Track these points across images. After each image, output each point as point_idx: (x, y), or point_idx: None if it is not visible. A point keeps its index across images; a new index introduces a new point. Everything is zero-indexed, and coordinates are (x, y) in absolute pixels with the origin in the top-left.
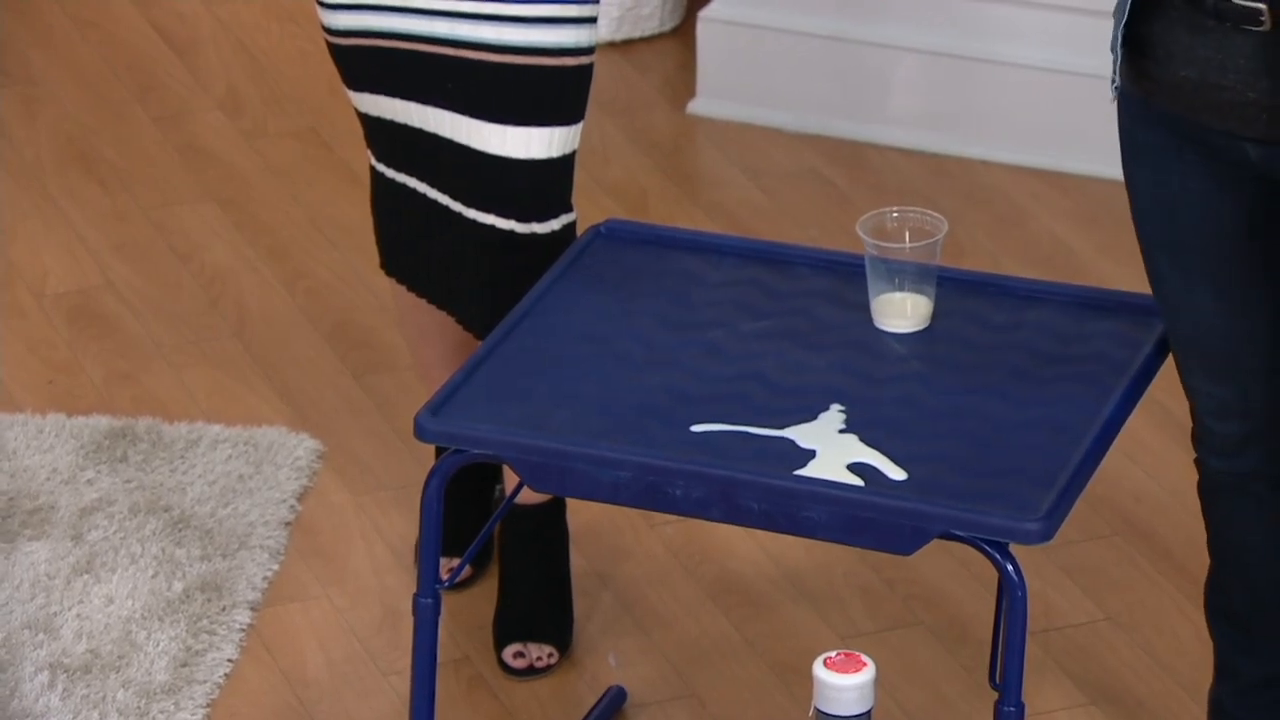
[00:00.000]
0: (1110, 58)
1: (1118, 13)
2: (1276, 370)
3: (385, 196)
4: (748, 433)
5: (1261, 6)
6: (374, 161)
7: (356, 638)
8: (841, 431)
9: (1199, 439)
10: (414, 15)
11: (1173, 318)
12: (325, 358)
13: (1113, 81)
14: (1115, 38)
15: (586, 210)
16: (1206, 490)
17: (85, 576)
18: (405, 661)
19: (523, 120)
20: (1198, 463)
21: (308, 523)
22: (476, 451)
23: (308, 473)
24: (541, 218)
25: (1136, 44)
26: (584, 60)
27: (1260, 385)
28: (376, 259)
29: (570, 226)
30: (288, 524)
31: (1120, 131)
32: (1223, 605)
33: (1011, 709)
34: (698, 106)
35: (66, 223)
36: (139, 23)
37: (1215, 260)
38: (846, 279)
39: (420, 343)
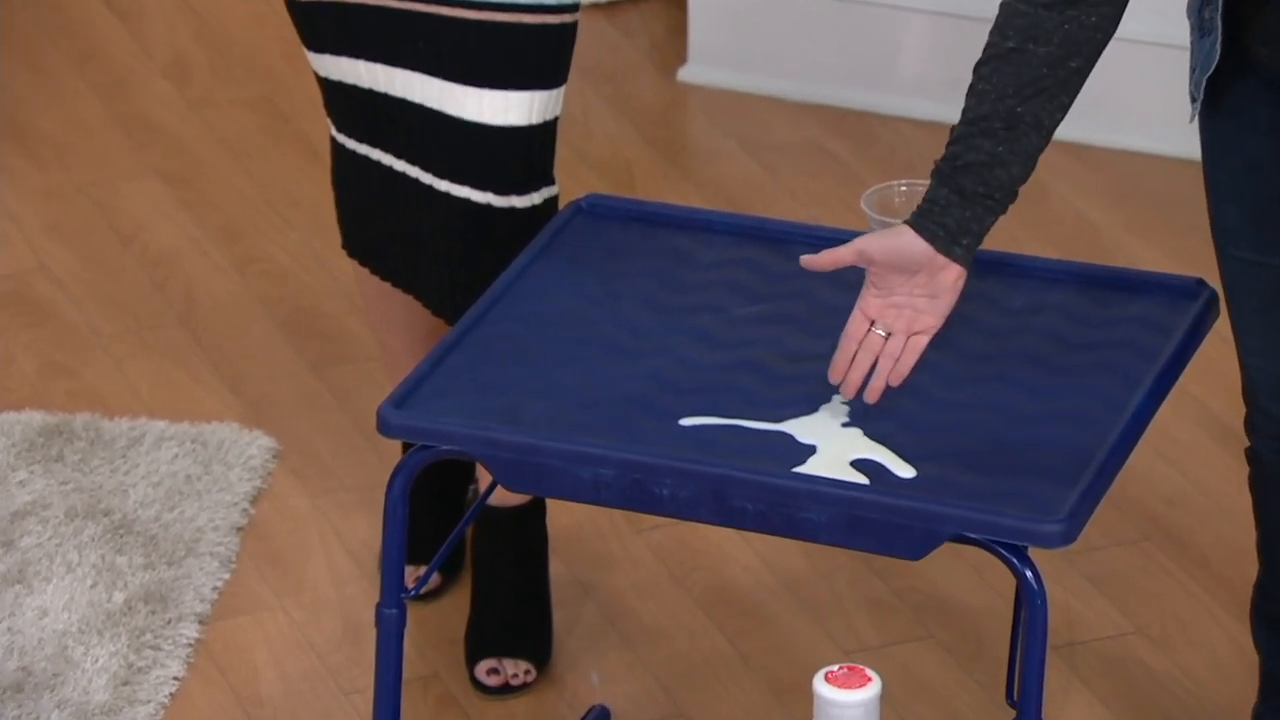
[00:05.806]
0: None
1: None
2: None
3: (346, 170)
4: (741, 426)
5: None
6: (334, 131)
7: (315, 653)
8: (844, 425)
9: (1253, 424)
10: None
11: (1242, 281)
12: (281, 348)
13: (1191, 118)
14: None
15: (568, 185)
16: (1259, 483)
17: (17, 587)
18: (367, 679)
19: (501, 83)
20: (1249, 452)
21: (261, 528)
22: (445, 448)
23: (261, 473)
24: (521, 189)
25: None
26: (567, 18)
27: None
28: (338, 239)
29: (552, 200)
30: (239, 529)
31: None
32: (1271, 613)
33: None
34: (689, 73)
35: None
36: None
37: None
38: None
39: (386, 331)
